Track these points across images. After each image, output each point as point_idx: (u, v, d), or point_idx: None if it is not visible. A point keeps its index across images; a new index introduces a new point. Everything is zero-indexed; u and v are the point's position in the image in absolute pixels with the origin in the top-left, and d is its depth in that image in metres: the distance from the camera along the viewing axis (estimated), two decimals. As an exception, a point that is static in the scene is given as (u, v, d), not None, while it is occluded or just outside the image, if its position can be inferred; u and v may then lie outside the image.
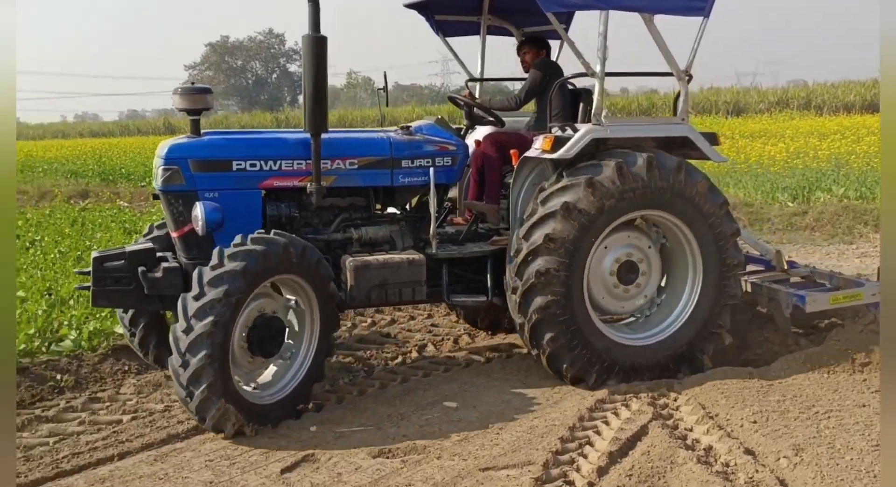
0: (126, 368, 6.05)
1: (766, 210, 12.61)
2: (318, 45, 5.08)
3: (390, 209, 6.10)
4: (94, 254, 5.32)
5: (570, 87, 6.38)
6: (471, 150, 6.22)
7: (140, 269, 5.20)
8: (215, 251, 4.75)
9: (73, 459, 4.53)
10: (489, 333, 7.01)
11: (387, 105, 6.48)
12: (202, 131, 5.44)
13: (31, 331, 6.44)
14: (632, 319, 6.07)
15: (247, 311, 4.79)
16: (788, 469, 4.17)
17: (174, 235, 5.40)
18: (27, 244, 11.10)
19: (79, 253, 9.72)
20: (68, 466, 4.44)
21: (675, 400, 5.24)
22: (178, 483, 4.23)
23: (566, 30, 6.50)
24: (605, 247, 5.65)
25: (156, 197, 5.57)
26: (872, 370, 5.51)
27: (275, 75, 76.40)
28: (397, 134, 5.88)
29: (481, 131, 6.58)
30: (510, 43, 7.13)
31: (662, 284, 5.97)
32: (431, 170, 5.75)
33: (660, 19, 5.61)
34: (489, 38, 7.05)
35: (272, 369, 5.10)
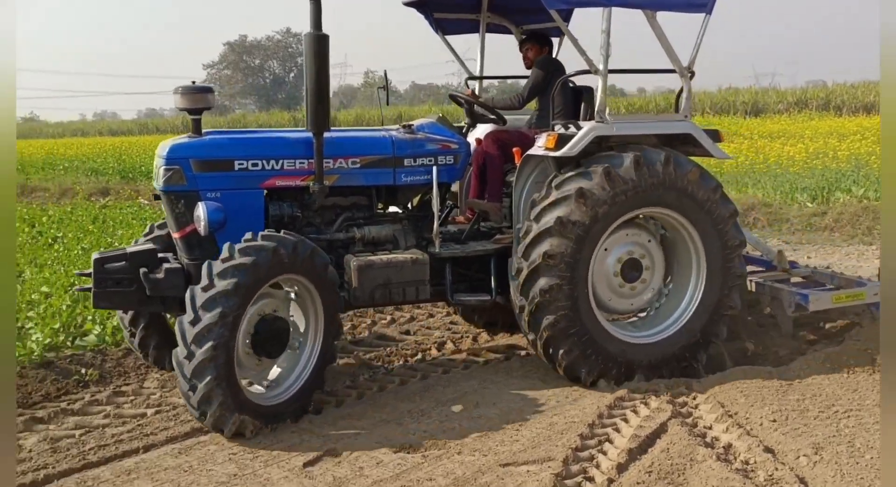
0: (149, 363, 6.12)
1: (785, 211, 12.58)
2: (319, 44, 5.07)
3: (392, 208, 6.09)
4: (94, 255, 5.27)
5: (570, 84, 6.33)
6: (472, 148, 6.21)
7: (142, 270, 5.15)
8: (226, 246, 4.75)
9: (100, 451, 4.60)
10: (508, 331, 7.03)
11: (387, 104, 6.48)
12: (203, 131, 5.40)
13: (56, 326, 6.55)
14: (643, 314, 6.04)
15: (253, 308, 4.77)
16: (808, 467, 4.18)
17: (176, 235, 5.37)
18: (49, 241, 11.24)
19: (101, 249, 9.80)
20: (95, 458, 4.52)
21: (695, 399, 5.25)
22: (203, 475, 4.30)
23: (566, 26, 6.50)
24: (605, 249, 5.62)
25: (157, 197, 5.55)
26: (892, 370, 5.50)
27: (292, 74, 76.51)
28: (399, 133, 5.88)
29: (482, 129, 6.56)
30: (510, 41, 7.13)
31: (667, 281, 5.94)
32: (434, 168, 5.74)
33: (663, 16, 5.61)
34: (488, 36, 7.03)
35: (276, 370, 5.09)
